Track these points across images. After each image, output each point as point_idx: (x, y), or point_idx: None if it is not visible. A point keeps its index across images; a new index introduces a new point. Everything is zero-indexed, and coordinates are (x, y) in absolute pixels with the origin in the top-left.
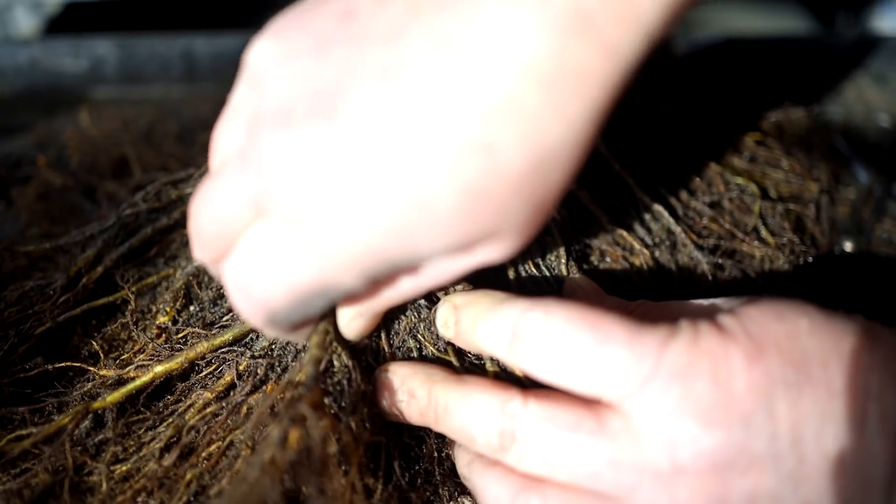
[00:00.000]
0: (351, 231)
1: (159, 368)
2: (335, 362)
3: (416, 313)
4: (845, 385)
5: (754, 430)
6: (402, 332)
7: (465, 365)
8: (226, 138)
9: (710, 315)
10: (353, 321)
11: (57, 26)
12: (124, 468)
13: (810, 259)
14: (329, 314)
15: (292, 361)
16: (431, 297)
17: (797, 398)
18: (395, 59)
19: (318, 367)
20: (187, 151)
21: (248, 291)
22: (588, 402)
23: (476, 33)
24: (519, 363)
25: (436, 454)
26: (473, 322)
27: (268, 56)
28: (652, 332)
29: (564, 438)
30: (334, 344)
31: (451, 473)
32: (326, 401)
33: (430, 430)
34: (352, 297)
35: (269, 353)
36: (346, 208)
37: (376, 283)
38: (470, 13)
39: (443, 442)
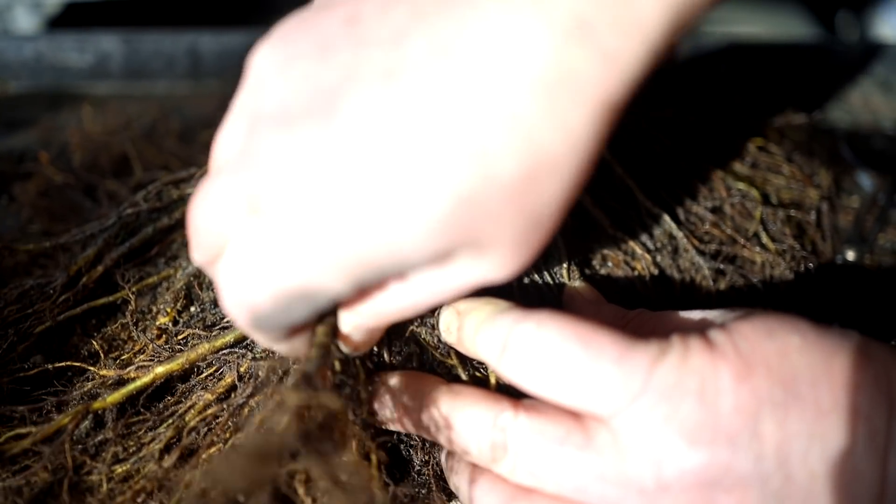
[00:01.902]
0: (336, 232)
1: (160, 369)
2: (337, 364)
3: (419, 317)
4: (834, 404)
5: (740, 449)
6: (405, 336)
7: (469, 370)
8: (226, 141)
9: (701, 330)
10: (351, 335)
11: (57, 26)
12: (124, 468)
13: (811, 266)
14: (329, 322)
15: (294, 364)
16: None
17: (784, 418)
18: (396, 63)
19: (325, 352)
20: (189, 150)
21: (234, 291)
22: (577, 416)
23: (477, 39)
24: (507, 375)
25: (429, 460)
26: (474, 330)
27: (270, 60)
28: (643, 349)
29: (553, 451)
30: (337, 342)
31: (441, 478)
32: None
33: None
34: (349, 309)
35: (271, 355)
36: (333, 208)
37: (364, 291)
38: (472, 19)
39: (437, 449)
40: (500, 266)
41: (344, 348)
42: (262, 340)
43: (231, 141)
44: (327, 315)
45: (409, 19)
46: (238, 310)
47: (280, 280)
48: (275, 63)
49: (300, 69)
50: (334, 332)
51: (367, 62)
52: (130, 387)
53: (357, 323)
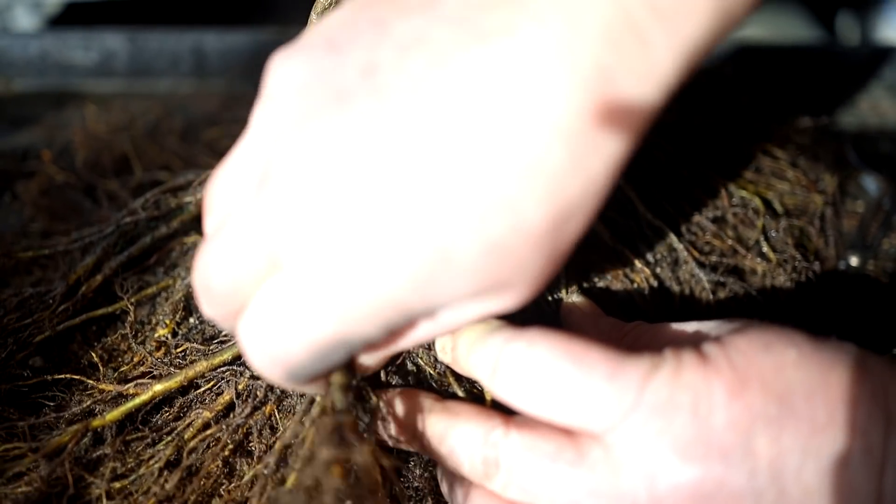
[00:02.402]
0: (372, 284)
1: (158, 387)
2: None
3: None
4: (830, 419)
5: (733, 464)
6: (402, 355)
7: (465, 387)
8: (232, 189)
9: (696, 343)
10: (365, 361)
11: (57, 26)
12: (123, 485)
13: (812, 275)
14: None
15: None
16: None
17: (778, 433)
18: (420, 115)
19: (348, 394)
20: (190, 149)
21: (265, 349)
22: (569, 432)
23: (499, 88)
24: (499, 394)
25: (424, 475)
26: (468, 349)
27: (285, 111)
28: (635, 364)
29: (545, 468)
30: (355, 373)
31: (438, 493)
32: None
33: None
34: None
35: None
36: (369, 262)
37: (395, 331)
38: (492, 67)
39: (433, 464)
40: (515, 298)
41: (358, 371)
42: (287, 387)
43: (237, 190)
44: None
45: (429, 69)
46: (270, 366)
47: (316, 334)
48: (289, 115)
49: (319, 123)
50: (352, 368)
51: (390, 115)
52: (129, 404)
53: (377, 356)
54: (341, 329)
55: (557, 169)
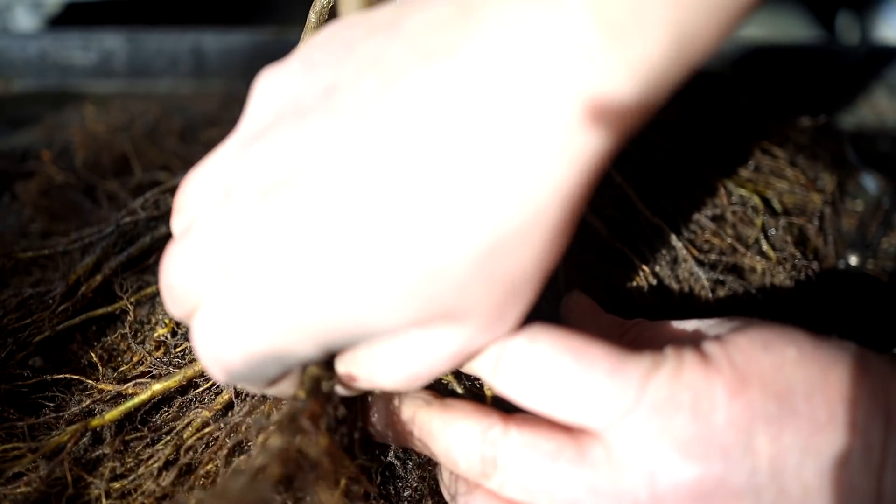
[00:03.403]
0: (302, 301)
1: (157, 386)
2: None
3: None
4: (829, 418)
5: (733, 463)
6: None
7: (464, 384)
8: (201, 194)
9: (697, 342)
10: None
11: (57, 26)
12: (122, 485)
13: (811, 274)
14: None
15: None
16: None
17: (778, 432)
18: (361, 136)
19: (317, 387)
20: (190, 149)
21: (208, 349)
22: (569, 430)
23: (441, 113)
24: (500, 389)
25: (425, 476)
26: None
27: (255, 125)
28: (636, 362)
29: (545, 466)
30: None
31: (437, 492)
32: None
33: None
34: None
35: None
36: (299, 278)
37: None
38: (430, 94)
39: (428, 462)
40: (478, 334)
41: (342, 390)
42: (246, 388)
43: (206, 195)
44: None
45: (378, 87)
46: (213, 366)
47: (250, 344)
48: (255, 129)
49: (274, 141)
50: (330, 371)
51: (334, 134)
52: (129, 404)
53: (354, 385)
54: (275, 343)
55: (492, 194)
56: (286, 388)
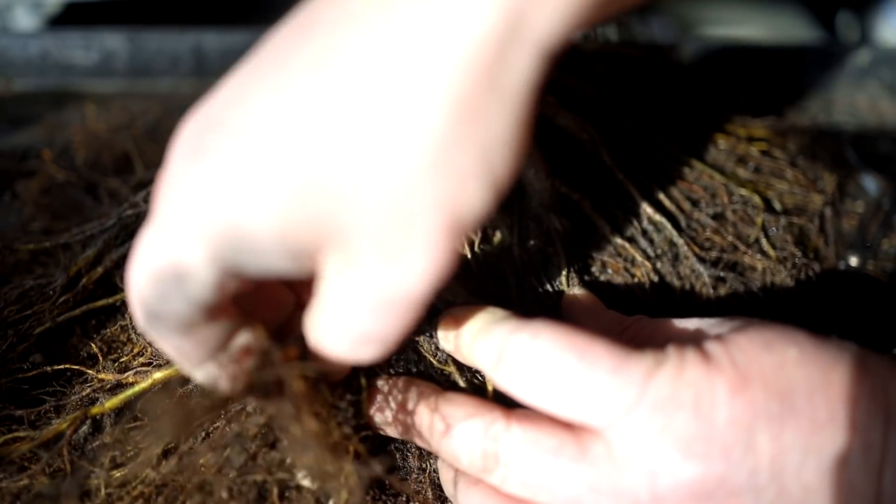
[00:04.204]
0: (190, 200)
1: (158, 375)
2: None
3: (417, 326)
4: (830, 418)
5: (734, 462)
6: (403, 344)
7: (467, 377)
8: None
9: (698, 341)
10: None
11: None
12: (122, 473)
13: (812, 274)
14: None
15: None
16: (433, 309)
17: (779, 431)
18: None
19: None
20: None
21: (126, 284)
22: (571, 427)
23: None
24: (503, 385)
25: (426, 468)
26: (471, 339)
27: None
28: (638, 360)
29: (546, 463)
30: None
31: (437, 486)
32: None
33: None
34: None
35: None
36: (190, 181)
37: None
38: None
39: (433, 457)
40: (382, 269)
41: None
42: (163, 344)
43: None
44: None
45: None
46: (133, 304)
47: (150, 256)
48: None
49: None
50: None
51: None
52: (129, 392)
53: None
54: (168, 251)
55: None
56: (213, 371)
